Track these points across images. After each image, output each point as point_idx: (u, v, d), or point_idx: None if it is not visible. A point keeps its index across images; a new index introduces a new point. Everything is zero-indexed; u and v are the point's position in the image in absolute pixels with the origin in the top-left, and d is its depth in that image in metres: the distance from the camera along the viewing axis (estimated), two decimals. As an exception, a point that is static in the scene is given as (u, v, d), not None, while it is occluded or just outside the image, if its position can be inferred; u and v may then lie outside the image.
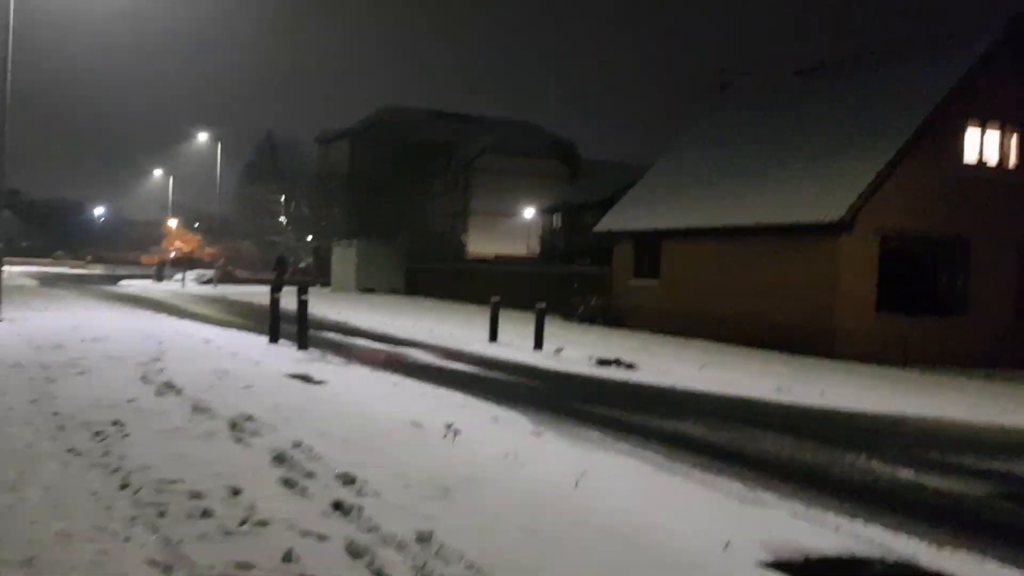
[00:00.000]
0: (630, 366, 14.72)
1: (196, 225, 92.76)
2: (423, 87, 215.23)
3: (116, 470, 5.97)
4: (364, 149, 53.10)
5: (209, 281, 47.73)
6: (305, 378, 11.27)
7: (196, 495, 5.33)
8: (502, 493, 5.70)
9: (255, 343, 15.44)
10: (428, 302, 33.60)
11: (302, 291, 14.85)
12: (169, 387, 9.70)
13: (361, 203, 48.83)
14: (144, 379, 10.21)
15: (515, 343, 17.28)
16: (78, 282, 48.05)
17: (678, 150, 25.91)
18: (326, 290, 40.70)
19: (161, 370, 10.90)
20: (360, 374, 12.24)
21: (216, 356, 12.88)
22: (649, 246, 23.21)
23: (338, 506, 5.19)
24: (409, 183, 48.18)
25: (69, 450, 6.57)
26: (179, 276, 50.83)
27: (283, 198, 56.81)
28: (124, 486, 5.62)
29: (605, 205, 40.81)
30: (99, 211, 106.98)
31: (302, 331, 14.45)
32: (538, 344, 16.15)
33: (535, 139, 53.68)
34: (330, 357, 14.03)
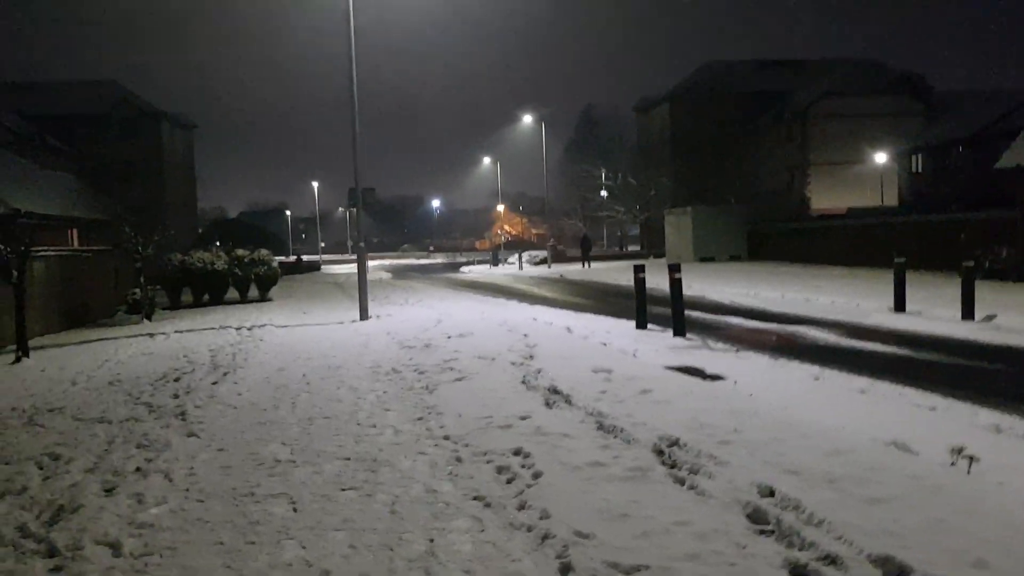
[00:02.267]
0: (1111, 337, 11.08)
1: (521, 208, 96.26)
2: (743, 39, 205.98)
3: (545, 537, 4.40)
4: (685, 111, 50.51)
5: (543, 262, 48.17)
6: (697, 372, 9.41)
7: (680, 601, 3.55)
8: None
9: (619, 329, 13.89)
10: (780, 267, 30.43)
11: (674, 269, 12.98)
12: (556, 394, 8.30)
13: (687, 168, 46.41)
14: (525, 384, 8.92)
15: (926, 311, 14.11)
16: (424, 271, 50.99)
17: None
18: (659, 262, 38.94)
19: (539, 371, 9.59)
20: (760, 365, 10.08)
21: (587, 349, 11.45)
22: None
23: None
24: (737, 141, 44.85)
25: (476, 498, 5.18)
26: (513, 259, 52.07)
27: (605, 172, 55.93)
28: (564, 568, 4.00)
29: (977, 141, 34.74)
30: (436, 204, 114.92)
31: (678, 314, 12.59)
32: (967, 312, 12.87)
33: (877, 76, 47.58)
34: (712, 343, 12.04)
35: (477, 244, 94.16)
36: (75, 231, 25.83)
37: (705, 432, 6.37)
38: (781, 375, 9.32)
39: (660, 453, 5.88)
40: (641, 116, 58.26)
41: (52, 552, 4.38)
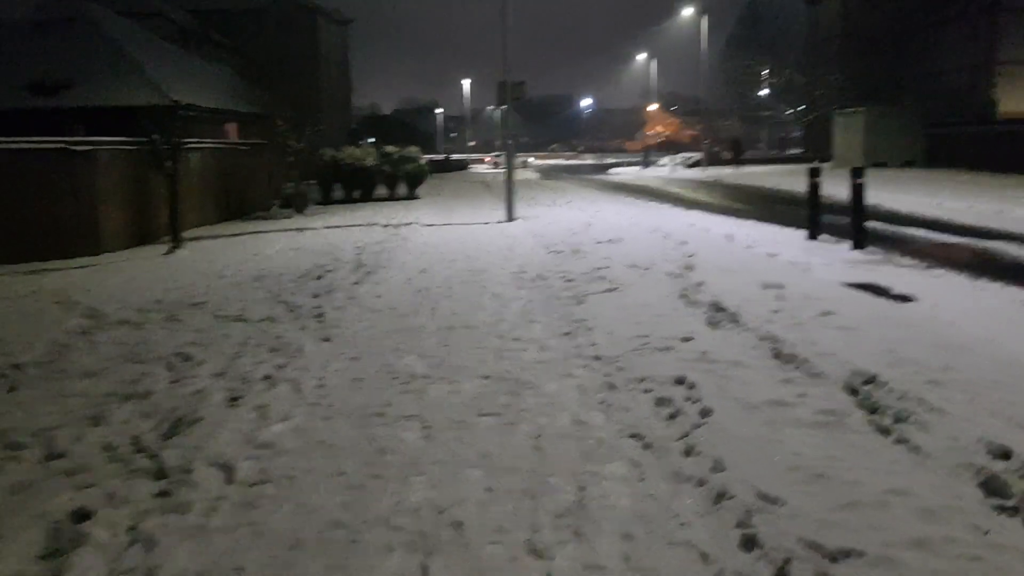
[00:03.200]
0: None
1: (674, 108, 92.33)
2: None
3: (720, 497, 3.61)
4: (861, 3, 45.97)
5: (696, 164, 45.98)
6: (883, 292, 8.22)
7: (912, 612, 2.70)
8: None
9: (786, 239, 12.62)
10: (963, 175, 27.46)
11: (857, 173, 11.51)
12: (720, 311, 7.39)
13: (860, 65, 42.42)
14: (685, 299, 8.03)
15: None
16: (573, 172, 49.94)
17: None
18: (825, 166, 36.19)
19: (700, 284, 8.65)
20: (955, 285, 8.71)
21: (753, 261, 10.37)
22: None
23: None
24: (916, 37, 40.49)
25: (633, 435, 4.43)
26: (665, 161, 50.06)
27: (767, 70, 52.13)
28: (748, 543, 3.21)
29: None
30: (586, 103, 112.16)
31: (858, 224, 11.20)
32: None
33: (1095, -44, 41.43)
34: (896, 258, 10.65)
35: (627, 145, 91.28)
36: (233, 125, 26.33)
37: (908, 368, 5.34)
38: (982, 299, 7.98)
39: (855, 393, 4.93)
40: (812, 8, 53.65)
41: (160, 473, 3.98)
